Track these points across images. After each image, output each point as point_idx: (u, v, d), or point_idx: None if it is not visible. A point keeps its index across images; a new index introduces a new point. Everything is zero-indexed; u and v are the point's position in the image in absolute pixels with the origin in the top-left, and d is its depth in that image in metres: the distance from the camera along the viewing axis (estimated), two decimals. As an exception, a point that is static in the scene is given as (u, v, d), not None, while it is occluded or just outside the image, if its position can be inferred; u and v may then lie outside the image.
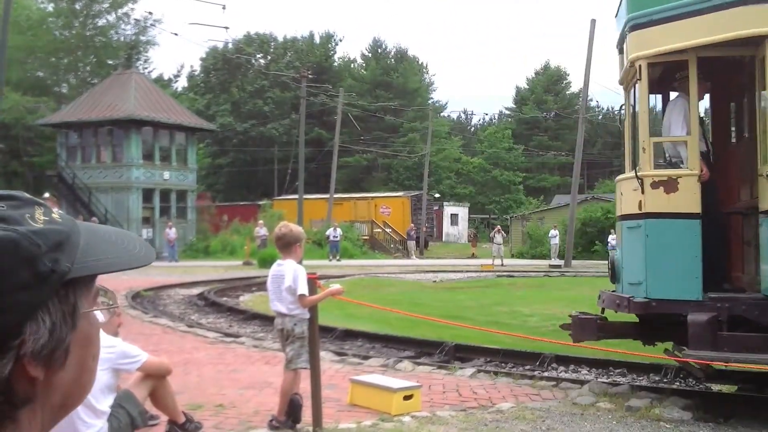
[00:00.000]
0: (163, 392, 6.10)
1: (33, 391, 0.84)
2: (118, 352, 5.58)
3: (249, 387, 8.53)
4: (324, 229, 48.14)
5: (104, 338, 5.47)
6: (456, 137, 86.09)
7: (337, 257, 41.79)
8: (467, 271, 34.18)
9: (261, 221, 40.18)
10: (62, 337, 0.86)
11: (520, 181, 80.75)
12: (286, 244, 6.60)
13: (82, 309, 0.90)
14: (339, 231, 43.63)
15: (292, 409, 6.63)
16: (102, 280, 0.98)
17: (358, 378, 7.99)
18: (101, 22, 62.08)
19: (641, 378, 10.18)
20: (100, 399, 5.41)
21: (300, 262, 6.85)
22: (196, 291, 22.13)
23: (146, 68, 66.09)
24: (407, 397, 7.46)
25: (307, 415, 6.64)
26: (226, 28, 48.06)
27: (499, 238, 42.92)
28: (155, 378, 5.99)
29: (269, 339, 12.54)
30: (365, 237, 53.21)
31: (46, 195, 35.50)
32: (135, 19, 63.88)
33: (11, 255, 0.81)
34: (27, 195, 0.91)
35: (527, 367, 10.87)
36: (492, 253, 41.83)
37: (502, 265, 39.42)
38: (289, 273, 6.51)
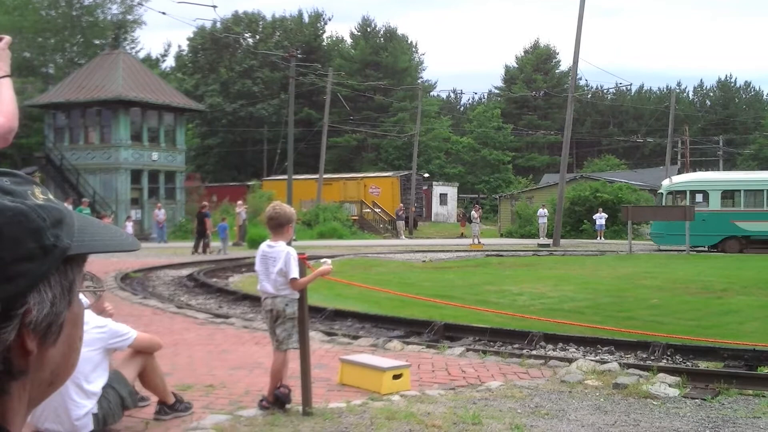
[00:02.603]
0: (152, 373, 6.12)
1: (26, 364, 0.87)
2: (109, 332, 5.62)
3: (239, 367, 8.55)
4: (313, 210, 48.05)
5: (95, 319, 5.50)
6: (445, 117, 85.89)
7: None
8: (456, 251, 34.22)
9: (240, 202, 39.82)
10: (60, 311, 0.89)
11: (509, 160, 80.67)
12: (278, 225, 6.60)
13: (78, 287, 0.93)
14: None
15: (277, 401, 6.64)
16: (90, 264, 1.00)
17: (347, 357, 8.03)
18: (87, 1, 61.47)
19: (629, 356, 10.27)
20: (92, 379, 5.43)
21: (290, 243, 6.87)
22: (185, 272, 22.12)
23: (133, 48, 65.57)
24: (396, 376, 7.50)
25: (296, 395, 6.67)
26: (214, 7, 47.59)
27: (476, 216, 43.03)
28: (145, 355, 6.01)
29: (259, 320, 12.55)
30: (354, 217, 53.22)
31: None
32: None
33: (21, 226, 0.84)
34: (24, 173, 0.93)
35: (516, 345, 10.94)
36: (472, 233, 41.87)
37: (478, 243, 39.40)
38: (282, 256, 6.52)
